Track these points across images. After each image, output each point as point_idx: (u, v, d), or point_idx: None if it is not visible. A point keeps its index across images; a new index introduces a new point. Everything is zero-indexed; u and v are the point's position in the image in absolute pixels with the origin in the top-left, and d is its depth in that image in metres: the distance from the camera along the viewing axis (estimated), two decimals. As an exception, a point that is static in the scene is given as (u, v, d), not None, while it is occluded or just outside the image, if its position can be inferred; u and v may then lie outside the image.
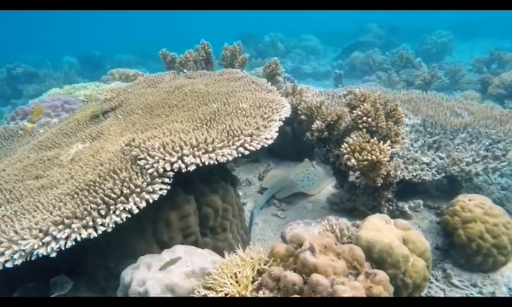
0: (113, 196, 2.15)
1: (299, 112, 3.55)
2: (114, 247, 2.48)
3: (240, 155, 2.47)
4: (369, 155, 2.59)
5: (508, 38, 14.98)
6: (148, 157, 2.32)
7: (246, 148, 2.49)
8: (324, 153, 3.43)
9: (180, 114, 3.16)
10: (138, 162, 2.34)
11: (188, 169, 2.30)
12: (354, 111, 2.89)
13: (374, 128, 2.85)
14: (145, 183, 2.22)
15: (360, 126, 2.81)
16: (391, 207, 3.18)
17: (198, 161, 2.30)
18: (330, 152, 3.41)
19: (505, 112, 4.11)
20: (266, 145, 2.61)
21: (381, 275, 1.75)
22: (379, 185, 2.83)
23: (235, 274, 1.91)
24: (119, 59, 15.83)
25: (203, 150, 2.35)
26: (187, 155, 2.29)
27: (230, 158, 2.40)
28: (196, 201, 2.66)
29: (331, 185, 4.11)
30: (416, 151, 3.65)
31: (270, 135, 2.66)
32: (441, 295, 2.78)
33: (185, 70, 4.43)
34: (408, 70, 9.30)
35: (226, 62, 4.72)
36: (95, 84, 5.65)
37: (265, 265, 1.96)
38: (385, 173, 2.77)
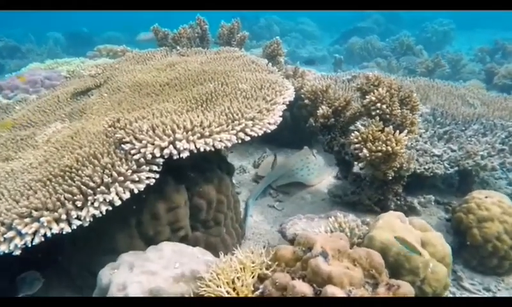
0: (92, 184, 1.84)
1: (302, 96, 3.25)
2: (92, 241, 2.19)
3: (240, 141, 2.17)
4: (384, 145, 2.32)
5: (509, 29, 14.75)
6: (134, 141, 2.00)
7: (247, 134, 2.19)
8: (328, 141, 3.15)
9: (172, 94, 2.83)
10: (123, 146, 2.03)
11: (181, 155, 1.99)
12: (367, 96, 2.60)
13: (388, 116, 2.58)
14: (130, 171, 1.91)
15: (373, 113, 2.53)
16: (399, 202, 2.94)
17: (192, 147, 2.00)
18: (335, 140, 3.14)
19: (520, 103, 3.87)
20: (269, 131, 2.32)
21: (406, 288, 1.49)
22: (390, 178, 2.57)
23: (233, 280, 1.63)
24: (108, 37, 15.14)
25: (199, 135, 2.04)
26: (180, 140, 1.99)
27: (229, 144, 2.11)
28: (188, 191, 2.36)
29: (332, 176, 3.85)
30: (425, 142, 3.40)
31: (273, 119, 2.37)
32: (452, 298, 2.55)
33: (178, 47, 4.07)
34: (409, 58, 9.02)
35: (223, 41, 4.36)
36: (80, 59, 5.24)
37: (267, 269, 1.69)
38: (398, 166, 2.50)
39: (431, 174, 2.92)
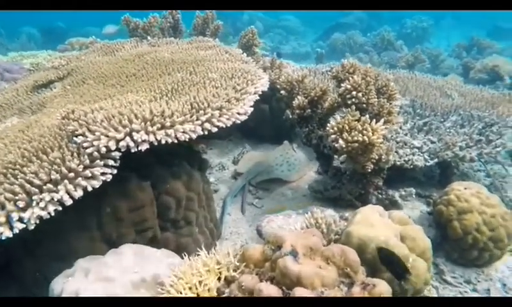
0: (37, 182, 1.65)
1: (278, 86, 3.11)
2: (46, 245, 1.99)
3: (206, 133, 2.01)
4: (360, 135, 2.19)
5: (482, 27, 14.99)
6: (87, 133, 1.82)
7: (213, 124, 2.03)
8: (306, 134, 3.01)
9: (138, 84, 2.65)
10: (75, 139, 1.84)
11: (139, 148, 1.82)
12: (342, 84, 2.47)
13: (364, 105, 2.46)
14: (82, 166, 1.72)
15: (349, 102, 2.41)
16: (380, 196, 2.83)
17: (151, 138, 1.83)
18: (313, 133, 3.01)
19: (496, 94, 3.83)
20: (238, 121, 2.17)
21: (382, 286, 1.36)
22: (369, 170, 2.45)
23: (196, 284, 1.47)
24: (86, 32, 14.64)
25: (159, 125, 1.87)
26: (138, 131, 1.81)
27: (193, 135, 1.94)
28: (154, 188, 2.18)
29: (313, 171, 3.72)
30: (405, 134, 3.31)
31: (243, 109, 2.21)
32: (434, 293, 2.46)
33: (148, 38, 3.87)
34: (390, 53, 9.01)
35: (197, 31, 4.18)
36: (48, 52, 4.96)
37: (235, 271, 1.54)
38: (376, 157, 2.39)
39: (411, 166, 2.83)
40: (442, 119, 3.47)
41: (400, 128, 3.35)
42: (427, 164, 2.95)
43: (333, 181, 3.04)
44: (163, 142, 1.86)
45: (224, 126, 2.06)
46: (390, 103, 2.51)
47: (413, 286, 1.74)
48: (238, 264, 1.56)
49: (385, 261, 1.64)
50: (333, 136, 2.30)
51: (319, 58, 8.51)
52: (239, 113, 2.17)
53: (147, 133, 1.83)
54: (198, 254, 1.63)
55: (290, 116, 3.09)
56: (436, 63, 8.55)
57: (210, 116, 2.03)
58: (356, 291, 1.36)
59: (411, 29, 12.48)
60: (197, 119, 1.99)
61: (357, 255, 1.50)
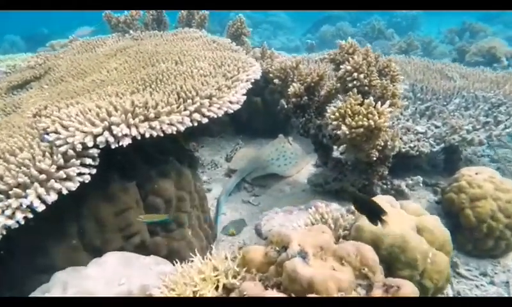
0: (3, 187, 1.43)
1: (271, 75, 2.91)
2: (22, 257, 1.77)
3: (195, 124, 1.80)
4: (365, 119, 2.00)
5: (472, 12, 14.94)
6: (60, 129, 1.60)
7: (203, 114, 1.82)
8: (303, 124, 2.82)
9: (119, 78, 2.43)
10: (46, 136, 1.62)
11: (120, 144, 1.60)
12: (341, 66, 2.28)
13: (367, 88, 2.27)
14: (54, 167, 1.50)
15: (350, 85, 2.21)
16: (385, 186, 2.65)
17: (134, 132, 1.62)
18: (310, 122, 2.81)
19: (500, 73, 3.67)
20: (231, 111, 1.96)
21: (407, 288, 1.17)
22: (375, 159, 2.26)
23: (189, 296, 1.26)
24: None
25: (142, 117, 1.66)
26: (118, 124, 1.60)
27: (181, 127, 1.74)
28: (140, 189, 1.97)
29: (311, 164, 3.53)
30: (407, 120, 3.13)
31: (235, 98, 2.01)
32: (449, 289, 2.28)
33: (131, 31, 3.64)
34: (381, 42, 8.87)
35: (183, 24, 3.96)
36: (27, 55, 4.69)
37: (234, 278, 1.33)
38: (382, 144, 2.20)
39: (417, 153, 2.65)
40: (445, 103, 3.31)
41: (401, 114, 3.18)
42: (433, 149, 2.78)
43: (333, 173, 2.85)
44: (147, 135, 1.65)
45: (215, 116, 1.86)
46: (394, 85, 2.32)
47: (434, 284, 1.55)
48: (238, 269, 1.36)
49: (360, 207, 1.57)
50: (334, 123, 2.10)
51: (309, 49, 8.33)
52: (230, 102, 1.97)
53: (128, 126, 1.62)
54: (192, 260, 1.43)
55: (286, 106, 2.90)
56: (428, 50, 8.42)
57: (199, 105, 1.82)
58: (378, 294, 1.17)
59: (400, 18, 12.35)
60: (185, 110, 1.78)
61: (374, 252, 1.31)
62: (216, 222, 2.75)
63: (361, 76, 2.22)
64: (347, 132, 2.04)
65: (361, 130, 2.02)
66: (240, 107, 2.06)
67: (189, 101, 1.80)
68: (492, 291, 2.23)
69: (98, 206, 1.82)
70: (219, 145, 4.25)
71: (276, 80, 2.89)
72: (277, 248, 1.33)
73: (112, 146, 1.59)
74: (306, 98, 2.64)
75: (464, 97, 3.25)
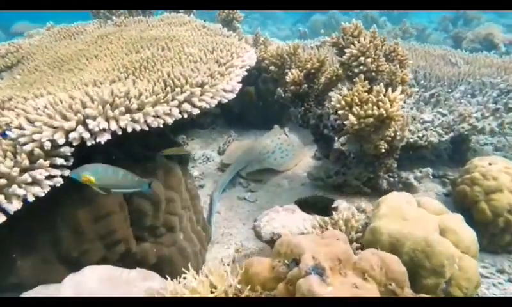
0: (-47, 195, 1.18)
1: (266, 62, 2.68)
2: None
3: (185, 116, 1.57)
4: (375, 108, 1.79)
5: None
6: (25, 124, 1.35)
7: (194, 105, 1.59)
8: (302, 114, 2.61)
9: (99, 66, 2.17)
10: (8, 133, 1.37)
11: (98, 140, 1.37)
12: (346, 50, 2.06)
13: (374, 74, 2.06)
14: (17, 170, 1.26)
15: (356, 70, 2.00)
16: (392, 179, 2.46)
17: (113, 127, 1.38)
18: (310, 112, 2.60)
19: (507, 59, 3.50)
20: (225, 100, 1.74)
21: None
22: (383, 151, 2.07)
23: (182, 323, 1.05)
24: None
25: (123, 109, 1.42)
26: (94, 118, 1.36)
27: (169, 120, 1.50)
28: (124, 190, 1.73)
29: (309, 156, 3.33)
30: (411, 109, 2.94)
31: (230, 85, 1.78)
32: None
33: (114, 17, 3.36)
34: (374, 30, 8.65)
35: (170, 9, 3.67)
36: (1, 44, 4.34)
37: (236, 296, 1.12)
38: (392, 135, 2.00)
39: (426, 143, 2.46)
40: (450, 90, 3.13)
41: (405, 102, 2.99)
42: (442, 139, 2.59)
43: (336, 166, 2.65)
44: (129, 130, 1.41)
45: (208, 106, 1.63)
46: (402, 71, 2.12)
47: (463, 294, 1.36)
48: (240, 286, 1.14)
49: (309, 207, 1.56)
50: (340, 112, 1.89)
51: (302, 36, 8.07)
52: (225, 90, 1.74)
53: (107, 119, 1.38)
54: (185, 277, 1.21)
55: (283, 95, 2.67)
56: (422, 38, 8.24)
57: (190, 94, 1.59)
58: (410, 317, 0.96)
59: (392, 7, 12.18)
60: (173, 100, 1.54)
61: (401, 263, 1.11)
62: (209, 222, 2.53)
63: (368, 60, 2.01)
64: (356, 122, 1.83)
65: (371, 120, 1.81)
66: (235, 96, 1.83)
67: (178, 90, 1.57)
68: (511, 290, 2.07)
69: (75, 212, 1.58)
70: (210, 137, 4.02)
71: (271, 67, 2.67)
72: (286, 261, 1.12)
73: (88, 143, 1.35)
74: (305, 85, 2.42)
75: (471, 83, 3.07)
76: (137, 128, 1.42)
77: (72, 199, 1.59)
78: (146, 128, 1.45)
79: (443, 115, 2.82)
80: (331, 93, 2.77)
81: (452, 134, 2.62)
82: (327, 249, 1.11)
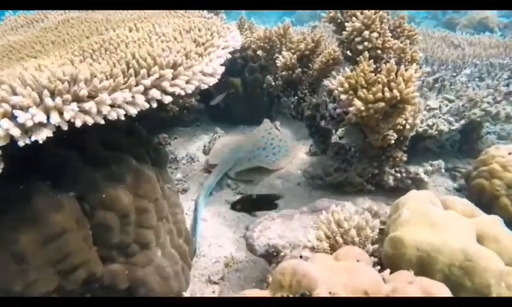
0: None
1: (253, 47, 2.36)
2: None
3: (154, 105, 1.24)
4: (386, 90, 1.49)
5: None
6: None
7: (165, 91, 1.26)
8: (295, 104, 2.29)
9: (54, 52, 1.82)
10: None
11: (33, 139, 1.02)
12: (347, 25, 1.75)
13: (379, 52, 1.75)
14: None
15: (359, 47, 1.70)
16: (399, 175, 2.17)
17: (55, 120, 1.04)
18: (304, 101, 2.29)
19: (513, 39, 3.25)
20: (204, 86, 1.41)
21: None
22: (393, 142, 1.77)
23: None
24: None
25: (69, 97, 1.07)
26: (26, 108, 1.01)
27: (133, 110, 1.17)
28: (81, 201, 1.40)
29: (303, 152, 3.02)
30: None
31: (210, 68, 1.45)
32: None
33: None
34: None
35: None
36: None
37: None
38: (403, 123, 1.70)
39: (436, 132, 2.17)
40: (454, 74, 2.85)
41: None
42: (453, 127, 2.32)
43: (335, 162, 2.35)
44: (78, 124, 1.07)
45: (182, 92, 1.30)
46: (411, 48, 1.82)
47: (515, 318, 1.07)
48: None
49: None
50: (343, 97, 1.58)
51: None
52: (203, 73, 1.41)
53: (46, 111, 1.04)
54: None
55: (273, 83, 2.35)
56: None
57: (159, 77, 1.26)
58: None
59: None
60: (136, 85, 1.21)
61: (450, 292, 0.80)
62: (194, 232, 2.20)
63: (374, 35, 1.71)
64: (363, 108, 1.52)
65: (382, 104, 1.50)
66: (217, 81, 1.50)
67: (144, 71, 1.23)
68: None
69: (15, 233, 1.23)
70: (194, 135, 3.67)
71: (259, 52, 2.34)
72: (291, 296, 0.80)
73: (21, 143, 1.01)
74: (299, 70, 2.10)
75: (477, 66, 2.81)
76: (89, 121, 1.09)
77: (11, 217, 1.25)
78: (101, 121, 1.11)
79: (451, 101, 2.54)
80: (326, 81, 2.47)
81: (463, 122, 2.35)
82: (347, 277, 0.80)
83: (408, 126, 1.87)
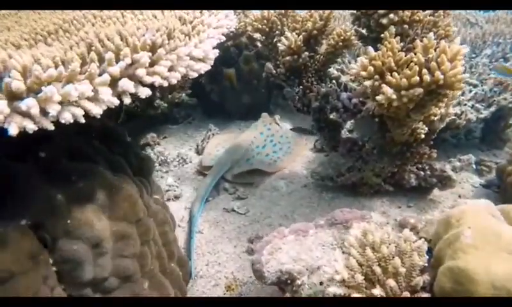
0: None
1: (250, 29, 2.04)
2: None
3: (126, 101, 0.91)
4: (425, 72, 1.18)
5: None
6: None
7: (141, 80, 0.93)
8: (300, 95, 1.98)
9: (5, 38, 1.48)
10: None
11: None
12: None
13: (406, 26, 1.44)
14: None
15: (384, 21, 1.38)
16: (422, 172, 1.87)
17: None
18: (311, 91, 1.97)
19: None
20: (193, 74, 1.08)
21: None
22: (423, 136, 1.47)
23: None
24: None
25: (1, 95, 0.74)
26: None
27: (96, 110, 0.84)
28: (38, 230, 1.07)
29: (308, 149, 2.71)
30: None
31: (201, 51, 1.13)
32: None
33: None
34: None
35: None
36: None
37: None
38: (438, 113, 1.40)
39: (464, 121, 1.88)
40: (474, 55, 2.56)
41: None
42: (481, 115, 2.03)
43: (348, 160, 2.04)
44: (13, 132, 0.75)
45: (165, 83, 0.97)
46: (444, 21, 1.52)
47: None
48: None
49: None
50: (367, 83, 1.27)
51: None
52: (192, 57, 1.09)
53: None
54: None
55: (273, 71, 2.03)
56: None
57: (131, 63, 0.93)
58: None
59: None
60: (103, 73, 0.88)
61: None
62: (189, 248, 1.89)
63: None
64: (394, 97, 1.21)
65: (419, 91, 1.19)
66: (209, 68, 1.18)
67: (110, 55, 0.90)
68: None
69: None
70: (186, 134, 3.34)
71: (256, 35, 2.02)
72: None
73: None
74: (306, 54, 1.78)
75: (500, 45, 2.51)
76: (30, 127, 0.76)
77: None
78: (49, 127, 0.78)
79: (475, 86, 2.25)
80: (330, 68, 2.17)
81: (492, 109, 2.05)
82: None
83: (437, 117, 1.57)
